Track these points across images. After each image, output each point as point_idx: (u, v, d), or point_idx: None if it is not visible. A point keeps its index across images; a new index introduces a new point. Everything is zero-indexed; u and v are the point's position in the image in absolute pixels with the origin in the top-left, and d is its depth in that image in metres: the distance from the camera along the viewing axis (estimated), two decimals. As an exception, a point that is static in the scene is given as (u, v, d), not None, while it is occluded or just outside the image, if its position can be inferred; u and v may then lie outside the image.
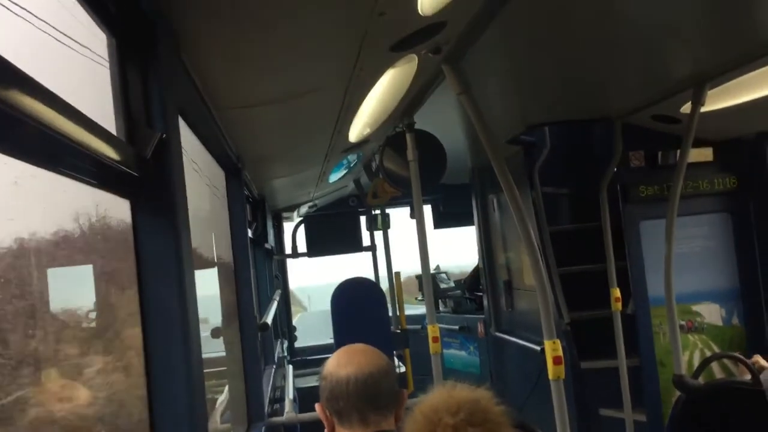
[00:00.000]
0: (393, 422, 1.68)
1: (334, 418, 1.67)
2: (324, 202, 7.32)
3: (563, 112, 4.27)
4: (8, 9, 1.01)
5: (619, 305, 4.44)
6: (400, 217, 7.47)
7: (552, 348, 2.64)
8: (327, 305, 6.62)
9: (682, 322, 4.40)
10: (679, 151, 3.75)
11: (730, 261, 4.58)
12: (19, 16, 1.05)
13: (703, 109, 3.44)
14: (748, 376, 3.53)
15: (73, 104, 1.02)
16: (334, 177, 5.48)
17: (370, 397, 1.63)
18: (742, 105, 3.61)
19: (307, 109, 2.93)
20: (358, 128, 3.48)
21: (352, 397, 1.63)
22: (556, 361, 2.63)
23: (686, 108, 3.61)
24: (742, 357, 3.66)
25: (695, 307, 4.52)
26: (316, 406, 1.71)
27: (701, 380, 3.70)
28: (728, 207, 4.58)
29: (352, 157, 4.91)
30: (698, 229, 4.54)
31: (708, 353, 4.42)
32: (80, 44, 1.28)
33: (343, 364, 1.68)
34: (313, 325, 9.28)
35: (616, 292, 4.43)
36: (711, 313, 4.54)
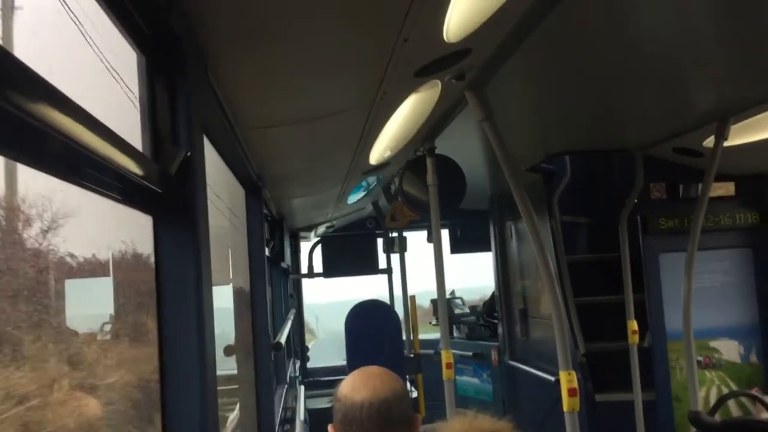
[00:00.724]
0: None
1: None
2: (342, 223, 7.33)
3: (584, 141, 4.26)
4: (39, 24, 1.03)
5: (636, 338, 4.39)
6: (414, 240, 7.46)
7: (567, 379, 2.61)
8: (338, 325, 6.61)
9: (700, 358, 4.35)
10: (700, 185, 3.73)
11: (750, 297, 4.52)
12: (49, 31, 1.07)
13: (726, 144, 3.42)
14: (765, 415, 3.47)
15: (101, 120, 1.03)
16: (352, 198, 5.50)
17: (384, 423, 1.62)
18: (766, 141, 3.58)
19: (330, 130, 2.95)
20: (378, 151, 3.49)
21: (365, 422, 1.61)
22: (571, 392, 2.60)
23: (709, 142, 3.59)
24: (759, 395, 3.61)
25: (713, 343, 4.46)
26: (329, 427, 1.69)
27: (717, 418, 3.64)
28: (750, 242, 4.53)
29: (372, 180, 4.93)
30: (718, 264, 4.50)
31: (725, 390, 4.35)
32: (110, 62, 1.31)
33: (358, 388, 1.65)
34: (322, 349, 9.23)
35: (634, 325, 4.39)
36: (729, 349, 4.48)
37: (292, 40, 1.82)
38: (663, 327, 4.39)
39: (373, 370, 1.72)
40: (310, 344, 8.52)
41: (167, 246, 1.39)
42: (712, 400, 4.23)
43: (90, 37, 1.27)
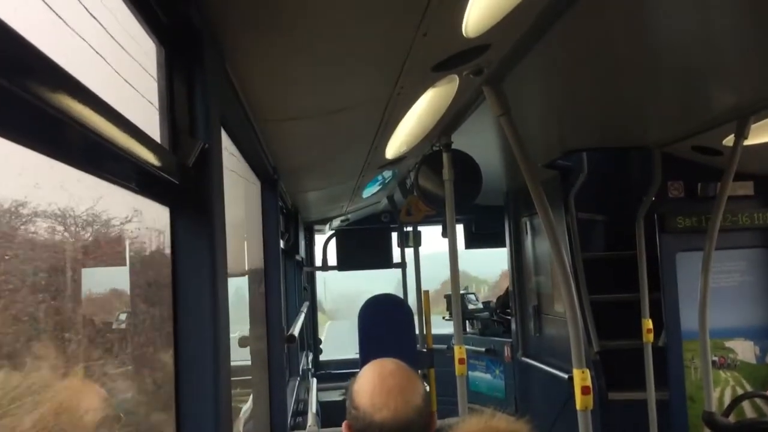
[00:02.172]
0: None
1: None
2: (356, 217, 7.34)
3: (602, 138, 4.24)
4: (60, 17, 1.03)
5: (651, 337, 4.37)
6: (429, 234, 7.45)
7: (581, 377, 2.60)
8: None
9: (715, 358, 4.32)
10: (719, 184, 3.69)
11: (767, 298, 4.48)
12: (69, 23, 1.07)
13: (745, 143, 3.38)
14: (781, 417, 3.44)
15: (120, 111, 1.04)
16: (368, 192, 5.50)
17: None
18: (787, 140, 3.55)
19: (346, 124, 2.95)
20: (395, 145, 3.49)
21: None
22: (585, 391, 2.59)
23: (729, 140, 3.56)
24: (775, 397, 3.58)
25: (728, 343, 4.43)
26: (344, 425, 1.64)
27: (732, 419, 3.62)
28: (768, 243, 4.49)
29: (387, 174, 4.92)
30: (735, 263, 4.46)
31: (740, 391, 4.32)
32: (130, 52, 1.31)
33: (378, 406, 1.56)
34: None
35: (648, 324, 4.36)
36: (745, 350, 4.45)
37: (309, 34, 1.82)
38: (678, 326, 4.36)
39: (393, 373, 1.61)
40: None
41: (183, 237, 1.40)
42: (727, 400, 4.21)
43: (109, 29, 1.27)
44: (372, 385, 1.59)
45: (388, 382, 1.59)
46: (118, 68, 1.32)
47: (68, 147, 0.96)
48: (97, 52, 1.17)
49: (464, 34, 1.95)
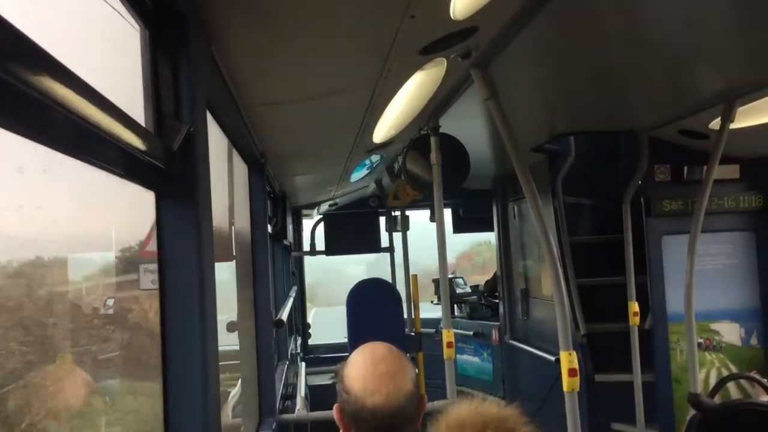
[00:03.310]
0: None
1: (352, 429, 1.61)
2: (344, 201, 7.33)
3: (589, 122, 4.24)
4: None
5: (637, 319, 4.40)
6: (417, 219, 7.45)
7: (568, 359, 2.62)
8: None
9: (700, 340, 4.36)
10: (705, 167, 3.71)
11: (752, 280, 4.52)
12: (52, 5, 1.06)
13: (732, 126, 3.40)
14: (764, 398, 3.49)
15: (104, 94, 1.02)
16: (355, 176, 5.49)
17: (395, 424, 1.58)
18: (773, 123, 3.56)
19: (333, 108, 2.93)
20: (382, 129, 3.48)
21: (374, 427, 1.57)
22: (571, 373, 2.61)
23: (715, 124, 3.57)
24: (759, 378, 3.62)
25: (714, 326, 4.47)
26: (335, 407, 1.64)
27: (717, 400, 3.66)
28: (753, 225, 4.52)
29: (375, 158, 4.91)
30: (721, 246, 4.49)
31: (725, 373, 4.37)
32: (114, 35, 1.29)
33: (369, 390, 1.57)
34: None
35: (635, 306, 4.39)
36: (730, 332, 4.49)
37: (296, 16, 1.80)
38: (664, 309, 4.39)
39: (384, 358, 1.62)
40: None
41: (170, 221, 1.39)
42: (712, 382, 4.25)
43: (93, 11, 1.26)
44: (364, 370, 1.60)
45: (380, 368, 1.60)
46: (103, 51, 1.31)
47: (52, 131, 0.95)
48: (80, 35, 1.16)
49: (452, 17, 1.94)
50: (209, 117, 1.87)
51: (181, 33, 1.43)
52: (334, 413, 1.64)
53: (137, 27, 1.38)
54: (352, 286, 6.40)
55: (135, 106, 1.34)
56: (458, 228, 7.83)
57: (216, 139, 2.45)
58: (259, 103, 2.57)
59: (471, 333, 6.99)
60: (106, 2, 1.24)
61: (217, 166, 2.50)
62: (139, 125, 1.20)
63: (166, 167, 1.34)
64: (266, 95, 2.54)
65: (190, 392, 1.40)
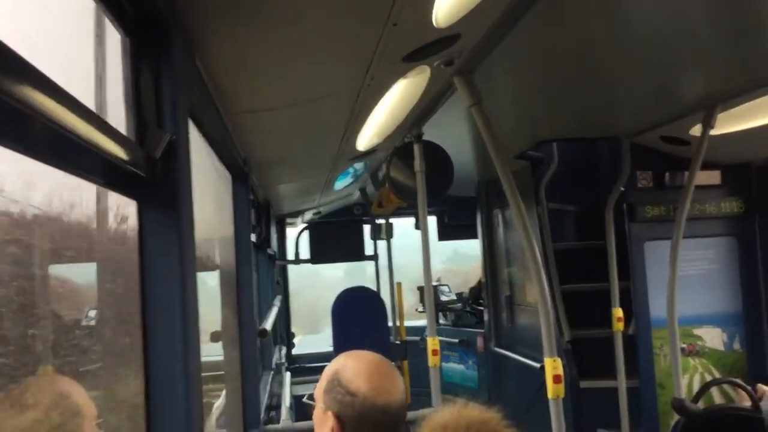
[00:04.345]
0: None
1: None
2: (329, 210, 7.32)
3: (572, 129, 4.27)
4: (23, 5, 1.01)
5: (621, 325, 4.42)
6: (401, 226, 7.46)
7: (552, 366, 2.62)
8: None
9: (683, 345, 4.38)
10: (687, 173, 3.74)
11: (734, 285, 4.56)
12: (30, 10, 1.05)
13: (712, 132, 3.43)
14: (747, 403, 3.50)
15: (84, 103, 1.01)
16: (339, 185, 5.48)
17: (395, 428, 1.59)
18: (753, 129, 3.60)
19: (317, 115, 2.93)
20: (366, 137, 3.48)
21: (380, 427, 1.57)
22: (556, 379, 2.61)
23: (696, 130, 3.60)
24: (742, 383, 3.64)
25: (697, 331, 4.49)
26: (330, 415, 1.61)
27: (701, 405, 3.68)
28: (734, 231, 4.56)
29: (359, 166, 4.91)
30: (703, 252, 4.53)
31: (708, 377, 4.39)
32: (94, 42, 1.28)
33: (379, 390, 1.58)
34: None
35: (618, 312, 4.41)
36: (713, 337, 4.52)
37: (279, 24, 1.80)
38: (647, 314, 4.41)
39: (380, 362, 1.65)
40: None
41: (151, 231, 1.38)
42: (696, 387, 4.27)
43: (74, 18, 1.24)
44: (368, 371, 1.61)
45: (381, 368, 1.64)
46: (82, 59, 1.29)
47: (31, 139, 0.94)
48: (59, 42, 1.14)
49: (434, 24, 1.95)
50: (192, 125, 1.86)
51: (163, 40, 1.42)
52: (330, 422, 1.59)
53: (118, 34, 1.36)
54: (329, 289, 6.41)
55: (116, 115, 1.33)
56: (443, 235, 7.84)
57: (199, 148, 2.43)
58: (242, 111, 2.56)
59: (456, 341, 6.98)
60: (87, 9, 1.23)
61: (200, 175, 2.49)
62: (120, 134, 1.19)
63: (147, 176, 1.32)
64: (249, 103, 2.54)
65: (173, 403, 1.38)
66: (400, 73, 2.46)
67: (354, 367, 1.63)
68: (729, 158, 4.41)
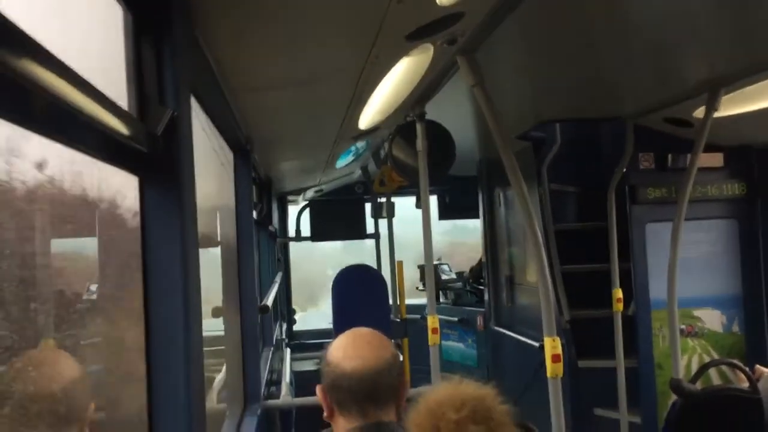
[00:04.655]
0: (393, 413, 1.67)
1: (334, 404, 1.66)
2: (330, 188, 7.32)
3: (575, 109, 4.25)
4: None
5: (620, 306, 4.43)
6: (402, 205, 7.45)
7: (551, 345, 2.63)
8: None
9: (682, 327, 4.40)
10: (689, 155, 3.73)
11: (735, 268, 4.57)
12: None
13: (716, 114, 3.41)
14: (745, 384, 3.52)
15: (86, 77, 1.01)
16: (341, 163, 5.48)
17: (371, 393, 1.62)
18: (756, 112, 3.58)
19: (319, 94, 2.92)
20: (368, 115, 3.47)
21: (353, 391, 1.61)
22: (555, 358, 2.63)
23: (699, 112, 3.59)
24: (740, 364, 3.66)
25: (696, 312, 4.51)
26: (318, 388, 1.69)
27: (698, 385, 3.70)
28: (736, 213, 4.56)
29: (361, 144, 4.90)
30: (704, 234, 4.53)
31: (706, 359, 4.41)
32: (97, 18, 1.28)
33: (348, 356, 1.65)
34: None
35: (618, 293, 4.42)
36: (712, 318, 4.54)
37: (282, 1, 1.79)
38: (647, 295, 4.43)
39: (364, 334, 1.71)
40: None
41: (153, 206, 1.38)
42: (694, 368, 4.29)
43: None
44: (345, 343, 1.69)
45: (360, 339, 1.70)
46: (84, 34, 1.29)
47: (33, 113, 0.94)
48: (61, 17, 1.14)
49: (438, 2, 1.94)
50: (194, 102, 1.86)
51: (165, 16, 1.41)
52: (317, 394, 1.68)
53: (120, 9, 1.36)
54: (326, 263, 6.43)
55: (118, 90, 1.33)
56: (444, 215, 7.84)
57: (201, 125, 2.43)
58: (245, 88, 2.56)
59: (456, 319, 7.01)
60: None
61: (202, 151, 2.49)
62: (121, 109, 1.19)
63: (149, 152, 1.32)
64: (251, 80, 2.53)
65: (175, 377, 1.40)
66: (404, 52, 2.45)
67: (338, 340, 1.71)
68: (732, 140, 4.40)
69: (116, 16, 1.36)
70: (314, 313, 9.48)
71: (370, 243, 7.43)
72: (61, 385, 1.29)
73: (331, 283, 6.43)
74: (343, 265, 6.51)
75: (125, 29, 1.38)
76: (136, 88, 1.37)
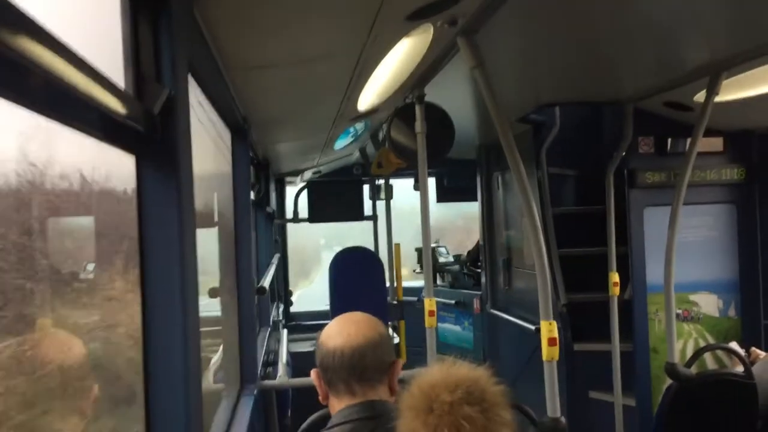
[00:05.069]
0: (383, 392, 1.68)
1: (326, 386, 1.68)
2: (328, 169, 7.30)
3: (575, 92, 4.23)
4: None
5: (617, 290, 4.44)
6: (400, 187, 7.44)
7: (548, 329, 2.64)
8: None
9: (679, 311, 4.41)
10: (689, 140, 3.72)
11: (732, 253, 4.57)
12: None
13: (716, 99, 3.40)
14: (740, 368, 3.54)
15: (82, 55, 1.00)
16: (340, 144, 5.46)
17: (355, 370, 1.64)
18: (757, 97, 3.57)
19: (318, 74, 2.90)
20: (367, 97, 3.45)
21: (338, 369, 1.64)
22: (551, 342, 2.63)
23: (700, 96, 3.57)
24: (735, 348, 3.68)
25: (692, 297, 4.52)
26: (312, 372, 1.72)
27: (693, 370, 3.72)
28: (734, 198, 4.56)
29: (360, 126, 4.88)
30: (702, 218, 4.53)
31: (702, 343, 4.43)
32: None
33: (333, 335, 1.69)
34: None
35: (615, 277, 4.43)
36: (708, 303, 4.55)
37: (281, -21, 1.77)
38: (644, 280, 4.44)
39: (354, 316, 1.74)
40: None
41: (150, 186, 1.37)
42: (689, 352, 4.31)
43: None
44: (334, 324, 1.73)
45: (348, 321, 1.73)
46: (81, 10, 1.28)
47: (28, 91, 0.93)
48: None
49: (439, -18, 1.92)
50: (191, 81, 1.84)
51: (162, -7, 1.40)
52: (312, 377, 1.70)
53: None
54: (317, 236, 6.44)
55: (114, 69, 1.31)
56: (442, 197, 7.84)
57: (198, 104, 2.41)
58: (243, 67, 2.54)
59: (453, 302, 7.03)
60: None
61: (200, 131, 2.47)
62: (117, 88, 1.18)
63: (146, 131, 1.31)
64: (250, 59, 2.51)
65: (171, 357, 1.40)
66: (404, 33, 2.43)
67: (330, 324, 1.75)
68: (732, 125, 4.39)
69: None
70: (311, 296, 9.48)
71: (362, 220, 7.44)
72: (67, 364, 1.30)
73: (328, 265, 6.44)
74: (335, 233, 6.52)
75: (122, 6, 1.36)
76: (133, 66, 1.36)
